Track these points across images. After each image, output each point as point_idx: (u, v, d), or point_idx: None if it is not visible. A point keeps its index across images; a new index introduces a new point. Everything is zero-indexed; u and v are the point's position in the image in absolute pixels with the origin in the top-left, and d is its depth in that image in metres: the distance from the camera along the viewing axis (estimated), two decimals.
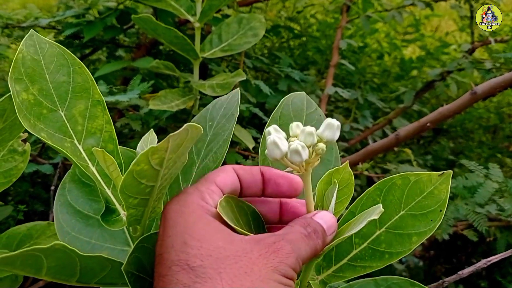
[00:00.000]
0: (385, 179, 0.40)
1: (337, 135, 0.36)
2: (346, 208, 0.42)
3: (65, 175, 0.53)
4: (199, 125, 0.33)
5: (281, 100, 0.49)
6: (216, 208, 0.35)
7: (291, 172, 0.38)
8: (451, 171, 0.39)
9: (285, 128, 0.46)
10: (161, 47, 1.37)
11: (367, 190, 0.41)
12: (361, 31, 1.81)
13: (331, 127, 0.36)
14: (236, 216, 0.37)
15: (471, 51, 1.17)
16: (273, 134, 0.36)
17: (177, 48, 1.00)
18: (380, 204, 0.36)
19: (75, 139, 0.40)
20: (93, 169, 0.40)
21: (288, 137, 0.37)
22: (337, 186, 0.39)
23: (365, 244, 0.41)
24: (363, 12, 1.30)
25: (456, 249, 1.51)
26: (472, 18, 1.23)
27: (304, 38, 1.82)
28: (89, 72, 0.41)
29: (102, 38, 1.31)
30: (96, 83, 1.07)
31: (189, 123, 0.32)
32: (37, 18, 1.21)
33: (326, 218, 0.37)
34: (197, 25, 1.03)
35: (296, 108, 0.49)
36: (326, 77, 1.25)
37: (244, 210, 0.39)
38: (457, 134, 1.77)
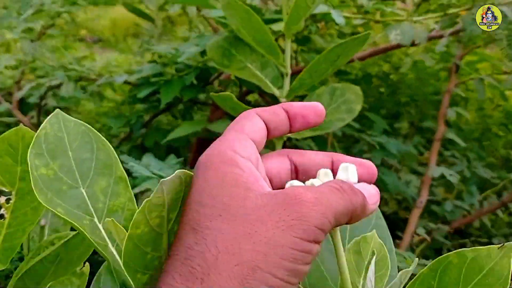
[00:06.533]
0: (439, 258, 0.37)
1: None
2: None
3: (101, 267, 0.53)
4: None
5: None
6: (245, 158, 0.32)
7: None
8: None
9: None
10: None
11: (420, 273, 0.38)
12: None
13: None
14: None
15: None
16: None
17: None
18: None
19: (95, 217, 0.39)
20: (112, 249, 0.39)
21: None
22: (374, 258, 0.37)
23: None
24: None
25: None
26: None
27: (393, 77, 1.64)
28: (112, 149, 0.41)
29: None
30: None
31: (181, 170, 0.32)
32: (112, 76, 1.15)
33: (367, 188, 0.33)
34: (283, 100, 0.89)
35: None
36: (429, 153, 1.07)
37: None
38: None
